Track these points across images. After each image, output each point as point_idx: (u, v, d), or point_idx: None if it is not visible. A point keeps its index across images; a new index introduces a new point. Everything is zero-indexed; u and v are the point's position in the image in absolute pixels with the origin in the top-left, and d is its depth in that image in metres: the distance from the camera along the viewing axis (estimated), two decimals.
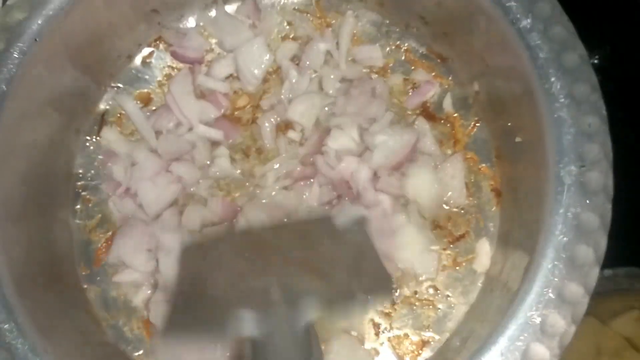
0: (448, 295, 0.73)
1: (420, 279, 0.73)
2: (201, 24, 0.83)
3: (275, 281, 0.55)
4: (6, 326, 0.60)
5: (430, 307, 0.73)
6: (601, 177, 0.59)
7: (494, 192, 0.75)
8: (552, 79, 0.62)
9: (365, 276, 0.59)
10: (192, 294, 0.58)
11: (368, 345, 0.72)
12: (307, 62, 0.80)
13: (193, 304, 0.57)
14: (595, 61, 0.99)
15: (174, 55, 0.83)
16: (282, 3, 0.83)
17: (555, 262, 0.58)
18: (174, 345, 0.64)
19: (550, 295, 0.57)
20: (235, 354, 0.66)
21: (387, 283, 0.61)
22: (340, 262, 0.60)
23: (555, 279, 0.57)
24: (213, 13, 0.83)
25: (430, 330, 0.72)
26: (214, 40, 0.83)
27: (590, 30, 0.95)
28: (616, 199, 0.62)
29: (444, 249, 0.75)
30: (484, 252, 0.73)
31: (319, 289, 0.55)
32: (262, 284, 0.55)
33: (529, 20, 0.64)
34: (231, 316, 0.52)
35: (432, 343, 0.72)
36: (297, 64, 0.80)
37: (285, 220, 0.71)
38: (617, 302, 0.85)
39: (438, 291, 0.74)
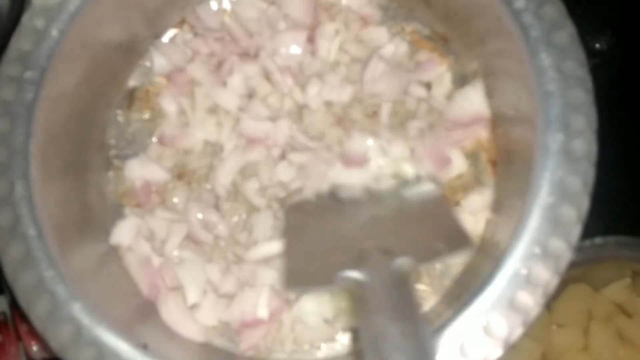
0: None
1: None
2: (221, 7, 0.90)
3: (368, 239, 0.66)
4: (49, 273, 0.67)
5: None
6: (585, 145, 0.65)
7: (490, 162, 0.81)
8: (543, 55, 0.67)
9: (444, 235, 0.69)
10: (299, 256, 0.70)
11: None
12: (321, 42, 0.86)
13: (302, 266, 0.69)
14: (597, 45, 1.04)
15: (197, 37, 0.89)
16: None
17: (541, 221, 0.63)
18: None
19: (536, 250, 0.63)
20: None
21: (464, 238, 0.70)
22: (421, 228, 0.70)
23: (541, 236, 0.63)
24: None
25: (429, 286, 0.79)
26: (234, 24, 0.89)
27: (591, 14, 1.01)
28: (609, 174, 0.68)
29: None
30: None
31: (404, 249, 0.64)
32: (355, 241, 0.67)
33: (522, 1, 0.69)
34: (337, 277, 0.62)
35: (430, 298, 0.78)
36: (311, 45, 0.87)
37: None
38: (608, 269, 0.90)
39: None
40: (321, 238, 0.71)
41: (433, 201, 0.73)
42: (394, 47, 0.85)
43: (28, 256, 0.67)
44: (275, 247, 0.78)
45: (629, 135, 0.98)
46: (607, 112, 0.68)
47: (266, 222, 0.80)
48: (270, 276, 0.78)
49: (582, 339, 0.89)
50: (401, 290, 0.60)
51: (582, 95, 0.66)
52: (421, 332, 0.56)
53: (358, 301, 0.61)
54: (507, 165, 0.78)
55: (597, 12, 1.01)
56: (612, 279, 0.91)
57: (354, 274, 0.61)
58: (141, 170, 0.83)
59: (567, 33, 0.69)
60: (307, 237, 0.71)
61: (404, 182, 0.78)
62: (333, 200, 0.76)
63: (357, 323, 0.59)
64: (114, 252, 0.81)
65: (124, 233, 0.81)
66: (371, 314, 0.58)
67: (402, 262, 0.62)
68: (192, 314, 0.77)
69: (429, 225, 0.71)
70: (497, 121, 0.81)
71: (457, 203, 0.81)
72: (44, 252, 0.67)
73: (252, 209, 0.82)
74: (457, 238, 0.69)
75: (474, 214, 0.79)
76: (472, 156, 0.82)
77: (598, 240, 0.87)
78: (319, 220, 0.73)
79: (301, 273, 0.67)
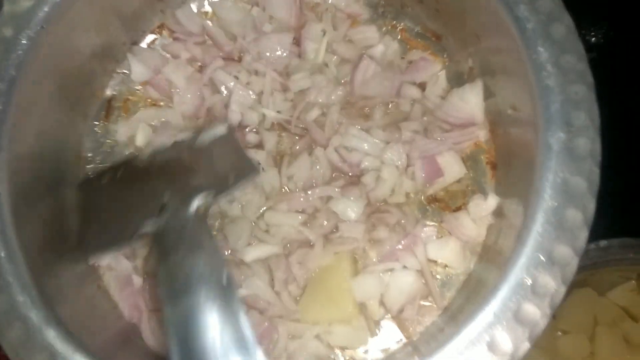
0: (446, 266, 0.76)
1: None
2: (202, 10, 0.86)
3: (166, 190, 0.70)
4: (21, 298, 0.62)
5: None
6: (588, 143, 0.61)
7: (489, 165, 0.78)
8: (540, 49, 0.64)
9: (234, 167, 0.74)
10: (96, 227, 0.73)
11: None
12: (307, 43, 0.82)
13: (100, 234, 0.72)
14: (593, 39, 1.00)
15: (177, 42, 0.85)
16: None
17: (545, 226, 0.59)
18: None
19: (541, 257, 0.59)
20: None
21: (250, 166, 0.75)
22: (214, 165, 0.74)
23: (545, 242, 0.59)
24: None
25: (430, 299, 0.75)
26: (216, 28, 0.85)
27: (587, 8, 0.97)
28: (610, 173, 0.64)
29: (441, 222, 0.77)
30: None
31: (201, 186, 0.69)
32: (154, 196, 0.70)
33: None
34: (134, 226, 0.68)
35: (432, 310, 0.74)
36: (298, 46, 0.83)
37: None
38: (613, 273, 0.87)
39: (437, 262, 0.76)
40: (119, 205, 0.73)
41: (223, 139, 0.76)
42: (384, 47, 0.81)
43: None
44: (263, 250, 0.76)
45: (629, 131, 0.94)
46: (605, 108, 0.64)
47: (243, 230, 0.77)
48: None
49: (589, 345, 0.86)
50: (198, 226, 0.66)
51: (583, 91, 0.63)
52: (218, 258, 0.62)
53: (158, 247, 0.65)
54: (508, 168, 0.74)
55: (592, 4, 0.98)
56: (617, 282, 0.89)
57: (152, 222, 0.66)
58: None
59: (564, 25, 0.65)
60: (104, 207, 0.74)
61: (198, 130, 0.79)
62: (129, 168, 0.76)
63: (158, 271, 0.63)
64: (93, 272, 0.76)
65: None
66: (169, 253, 0.62)
67: (199, 200, 0.67)
68: None
69: (221, 161, 0.74)
70: (495, 121, 0.77)
71: (458, 209, 0.77)
72: (16, 275, 0.63)
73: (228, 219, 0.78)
74: (244, 167, 0.74)
75: (475, 220, 0.75)
76: (470, 159, 0.78)
77: (602, 243, 0.84)
78: (115, 190, 0.75)
79: (99, 240, 0.71)
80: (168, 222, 0.66)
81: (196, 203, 0.67)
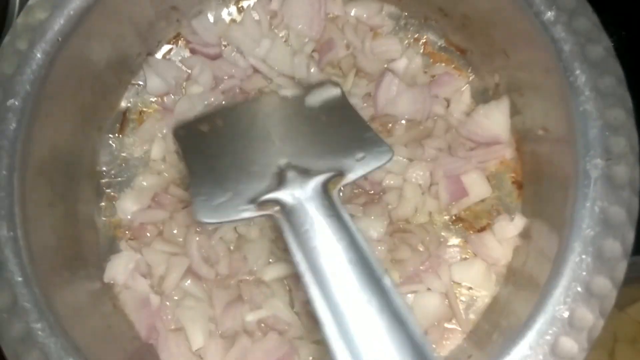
0: (470, 288, 0.74)
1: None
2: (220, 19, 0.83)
3: (281, 155, 0.63)
4: (38, 325, 0.60)
5: None
6: (628, 171, 0.59)
7: (515, 184, 0.76)
8: (577, 72, 0.62)
9: (359, 139, 0.65)
10: (213, 179, 0.64)
11: None
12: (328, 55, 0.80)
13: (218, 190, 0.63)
14: None
15: (193, 52, 0.83)
16: None
17: (583, 256, 0.58)
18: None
19: (578, 289, 0.57)
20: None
21: (379, 141, 0.65)
22: (332, 133, 0.67)
23: (583, 273, 0.57)
24: (232, 9, 0.83)
25: (453, 322, 0.73)
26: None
27: (604, 16, 0.94)
28: None
29: (466, 243, 0.75)
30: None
31: (329, 164, 0.61)
32: (267, 158, 0.63)
33: (553, 13, 0.63)
34: (256, 203, 0.59)
35: (456, 334, 0.72)
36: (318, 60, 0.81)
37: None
38: (635, 289, 0.85)
39: (461, 284, 0.74)
40: (227, 162, 0.65)
41: (336, 103, 0.69)
42: (407, 60, 0.79)
43: (15, 306, 0.60)
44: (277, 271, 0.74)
45: None
46: None
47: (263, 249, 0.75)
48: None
49: None
50: (328, 205, 0.56)
51: (622, 116, 0.61)
52: (360, 241, 0.54)
53: (286, 227, 0.56)
54: (536, 187, 0.72)
55: (610, 13, 0.95)
56: (637, 298, 0.87)
57: (277, 195, 0.58)
58: (135, 209, 0.77)
59: (602, 47, 0.63)
60: (211, 161, 0.66)
61: (306, 87, 0.72)
62: (229, 117, 0.70)
63: (291, 251, 0.54)
64: (109, 291, 0.74)
65: (118, 269, 0.74)
66: (303, 236, 0.54)
67: (323, 178, 0.59)
68: None
69: (343, 133, 0.66)
70: (522, 139, 0.75)
71: (483, 229, 0.75)
72: (33, 301, 0.61)
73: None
74: (376, 146, 0.64)
75: (501, 241, 0.73)
76: (495, 178, 0.76)
77: None
78: (221, 142, 0.68)
79: (214, 203, 0.61)
80: (294, 199, 0.57)
81: (320, 180, 0.58)
